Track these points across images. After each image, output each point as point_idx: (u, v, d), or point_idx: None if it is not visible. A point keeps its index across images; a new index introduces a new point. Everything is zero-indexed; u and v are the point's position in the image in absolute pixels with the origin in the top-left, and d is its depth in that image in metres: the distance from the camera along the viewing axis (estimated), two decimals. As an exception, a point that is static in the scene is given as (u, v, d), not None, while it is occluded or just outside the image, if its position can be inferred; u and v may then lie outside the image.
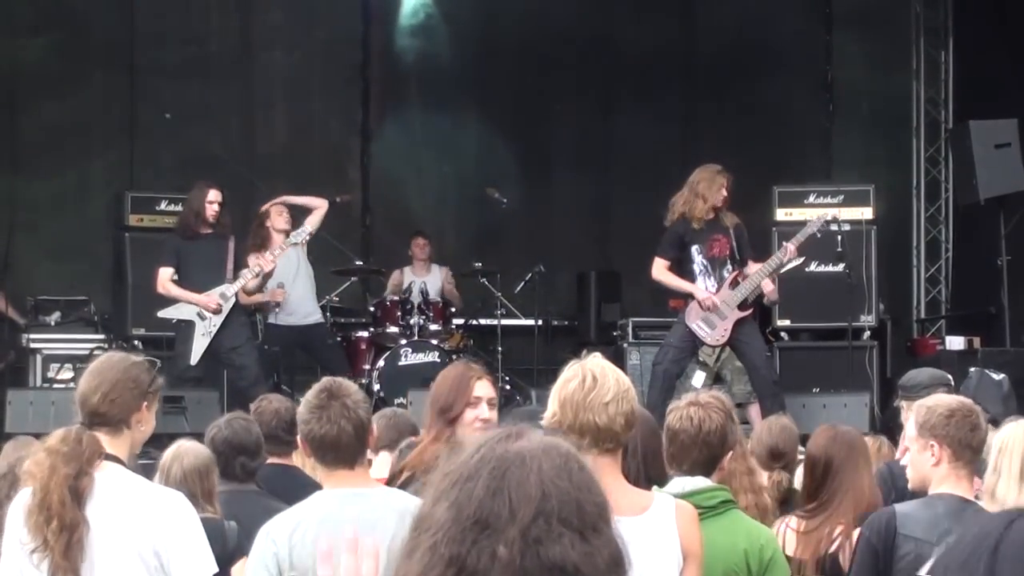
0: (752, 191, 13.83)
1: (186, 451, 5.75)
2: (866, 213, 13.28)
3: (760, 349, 11.39)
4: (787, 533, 5.57)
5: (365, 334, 13.13)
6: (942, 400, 4.93)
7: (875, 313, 13.14)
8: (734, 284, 11.01)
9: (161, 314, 11.40)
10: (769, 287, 11.99)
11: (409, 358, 12.54)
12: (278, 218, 12.34)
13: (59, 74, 14.46)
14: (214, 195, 11.44)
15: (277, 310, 12.26)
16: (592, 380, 4.06)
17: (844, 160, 15.75)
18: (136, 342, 12.37)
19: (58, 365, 12.57)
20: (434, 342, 12.71)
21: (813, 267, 12.76)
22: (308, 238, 11.98)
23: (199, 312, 11.34)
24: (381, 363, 12.49)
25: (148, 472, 5.18)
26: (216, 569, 4.38)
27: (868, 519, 4.98)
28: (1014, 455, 4.32)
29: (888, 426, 9.50)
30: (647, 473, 4.84)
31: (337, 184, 14.42)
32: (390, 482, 5.00)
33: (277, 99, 15.57)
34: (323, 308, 13.13)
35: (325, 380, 4.54)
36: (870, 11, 16.01)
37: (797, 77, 15.72)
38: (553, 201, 15.54)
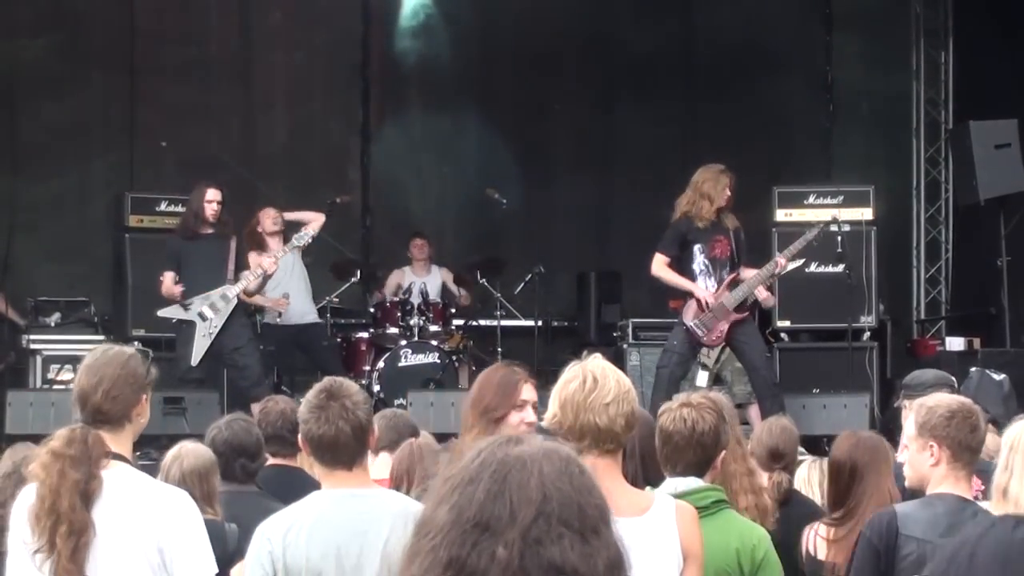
0: (752, 191, 13.82)
1: (187, 453, 5.75)
2: (866, 214, 13.27)
3: (760, 350, 11.39)
4: (817, 541, 5.57)
5: (365, 335, 13.14)
6: (943, 400, 4.92)
7: (875, 314, 13.14)
8: (732, 286, 11.01)
9: (161, 313, 11.41)
10: (764, 294, 12.03)
11: (409, 359, 12.54)
12: (266, 220, 12.39)
13: (59, 75, 14.46)
14: (212, 194, 11.44)
15: (278, 319, 12.29)
16: (593, 381, 4.06)
17: (844, 160, 15.75)
18: (136, 343, 12.36)
19: (58, 366, 12.57)
20: (434, 343, 12.71)
21: (813, 268, 12.76)
22: (310, 242, 12.00)
23: (200, 312, 11.35)
24: (381, 364, 12.50)
25: (149, 473, 5.18)
26: (217, 570, 4.37)
27: (868, 520, 4.98)
28: None
29: (888, 427, 9.50)
30: (645, 474, 4.84)
31: (337, 185, 14.44)
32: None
33: (277, 100, 15.57)
34: (323, 309, 13.15)
35: (326, 380, 4.53)
36: (870, 12, 16.01)
37: (797, 78, 15.73)
38: (553, 202, 15.54)
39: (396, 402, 11.47)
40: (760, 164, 14.95)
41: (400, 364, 12.49)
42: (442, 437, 7.30)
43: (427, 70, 15.46)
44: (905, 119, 15.67)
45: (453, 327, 13.22)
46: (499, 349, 13.08)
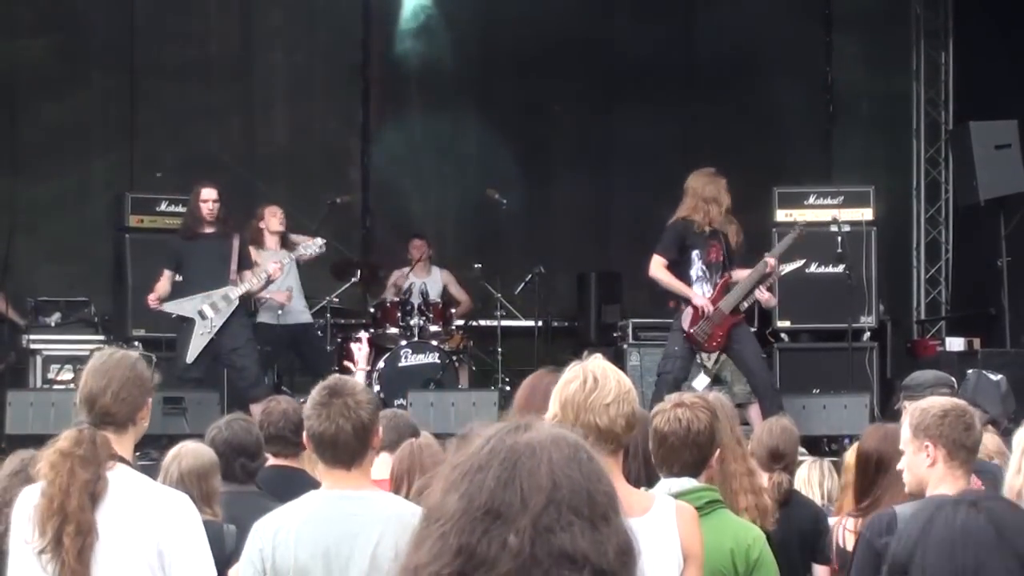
0: (752, 192, 13.83)
1: (186, 453, 5.75)
2: (866, 214, 13.28)
3: (756, 352, 11.38)
4: (845, 534, 5.56)
5: (365, 335, 13.13)
6: (936, 401, 4.94)
7: (875, 314, 13.14)
8: (725, 290, 11.01)
9: (166, 306, 11.44)
10: (765, 295, 12.04)
11: (409, 359, 12.54)
12: (272, 219, 12.39)
13: (59, 75, 14.47)
14: (207, 193, 11.48)
15: (280, 312, 12.30)
16: (593, 381, 4.06)
17: (844, 161, 15.75)
18: (136, 343, 12.37)
19: (58, 366, 12.57)
20: (434, 343, 12.71)
21: (813, 268, 12.76)
22: (317, 253, 12.03)
23: (200, 311, 11.37)
24: (381, 364, 12.49)
25: (149, 474, 5.18)
26: (215, 573, 4.38)
27: (868, 520, 4.98)
28: None
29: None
30: (648, 475, 4.84)
31: (337, 185, 14.44)
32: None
33: (277, 100, 15.57)
34: (323, 309, 13.16)
35: (331, 378, 4.54)
36: (870, 12, 16.01)
37: (797, 79, 15.72)
38: (553, 202, 15.55)
39: (396, 402, 11.48)
40: (760, 165, 14.96)
41: (400, 364, 12.49)
42: (442, 437, 7.30)
43: (427, 71, 15.46)
44: (905, 120, 15.68)
45: (453, 327, 13.22)
46: (499, 349, 13.08)
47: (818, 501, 7.04)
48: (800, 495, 6.67)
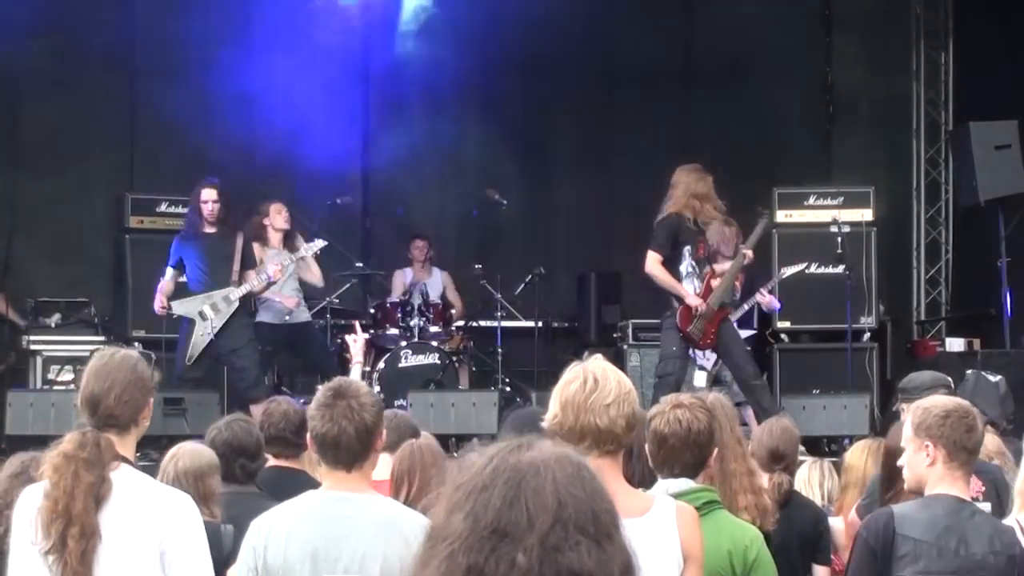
0: (752, 193, 13.83)
1: (183, 454, 5.75)
2: (866, 215, 13.29)
3: (742, 345, 11.46)
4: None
5: (365, 336, 13.12)
6: (938, 401, 4.93)
7: (875, 315, 13.14)
8: (710, 286, 11.06)
9: (173, 305, 11.45)
10: (767, 298, 12.11)
11: (409, 360, 12.54)
12: (277, 216, 12.39)
13: (59, 76, 14.46)
14: (207, 194, 11.53)
15: (288, 317, 12.31)
16: (593, 382, 4.06)
17: (844, 162, 15.75)
18: (136, 343, 12.39)
19: (58, 367, 12.58)
20: (434, 344, 12.72)
21: (813, 269, 12.76)
22: (318, 252, 12.06)
23: (200, 311, 11.40)
24: (381, 365, 12.50)
25: (149, 474, 5.19)
26: (213, 574, 4.39)
27: (865, 520, 4.99)
28: None
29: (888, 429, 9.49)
30: (652, 476, 4.83)
31: (337, 186, 14.42)
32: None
33: (277, 101, 15.55)
34: (323, 309, 13.16)
35: (336, 379, 4.54)
36: (870, 13, 16.00)
37: (797, 79, 15.71)
38: (553, 203, 15.54)
39: (396, 403, 11.48)
40: (760, 165, 14.96)
41: (400, 365, 12.49)
42: (442, 438, 7.31)
43: (427, 71, 15.44)
44: (905, 120, 15.67)
45: (453, 328, 13.23)
46: (499, 350, 13.08)
47: (818, 502, 7.04)
48: (800, 496, 6.67)
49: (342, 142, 15.49)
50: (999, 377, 10.34)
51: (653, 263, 10.95)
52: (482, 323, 13.75)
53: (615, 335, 13.89)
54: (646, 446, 4.65)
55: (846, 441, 10.86)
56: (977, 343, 13.20)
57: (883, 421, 11.26)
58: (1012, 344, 12.53)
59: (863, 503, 6.08)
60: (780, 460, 6.47)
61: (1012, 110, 13.10)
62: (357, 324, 10.14)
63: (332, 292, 13.50)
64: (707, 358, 11.81)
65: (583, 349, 11.34)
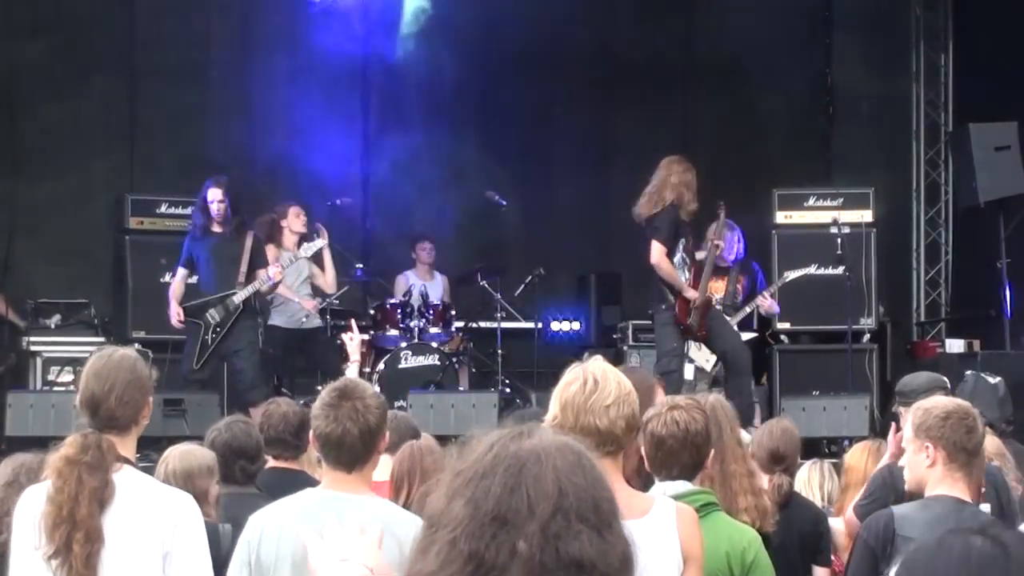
0: (752, 193, 13.84)
1: (174, 455, 5.75)
2: (866, 216, 13.28)
3: (731, 328, 11.53)
4: None
5: (365, 337, 13.13)
6: (939, 402, 4.94)
7: (875, 316, 13.14)
8: (697, 277, 11.14)
9: (184, 310, 11.53)
10: (767, 302, 12.14)
11: (409, 361, 12.54)
12: (295, 220, 12.44)
13: (59, 77, 14.46)
14: (213, 194, 11.54)
15: (304, 320, 12.35)
16: (593, 383, 4.06)
17: (844, 163, 15.75)
18: (136, 344, 12.39)
19: (58, 368, 12.58)
20: (434, 345, 12.72)
21: (813, 270, 12.77)
22: (316, 251, 12.10)
23: (208, 314, 11.45)
24: (381, 366, 12.50)
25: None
26: (212, 574, 4.39)
27: (866, 521, 4.99)
28: None
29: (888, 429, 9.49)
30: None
31: (338, 187, 14.42)
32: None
33: (277, 102, 15.56)
34: (323, 310, 13.16)
35: (342, 380, 4.55)
36: (870, 14, 16.01)
37: (797, 80, 15.72)
38: (553, 204, 15.54)
39: (396, 404, 11.48)
40: (760, 166, 14.96)
41: (400, 366, 12.49)
42: (442, 439, 7.30)
43: (427, 72, 15.45)
44: (905, 121, 15.68)
45: (453, 329, 13.23)
46: (499, 351, 13.08)
47: (819, 503, 7.04)
48: (800, 497, 6.67)
49: (342, 143, 15.49)
50: (998, 379, 10.33)
51: (660, 255, 10.94)
52: (482, 324, 13.75)
53: (615, 336, 13.90)
54: (642, 448, 4.65)
55: (846, 442, 10.86)
56: (977, 344, 13.20)
57: (883, 422, 11.26)
58: (1012, 345, 12.52)
59: (861, 503, 6.08)
60: (780, 461, 6.46)
61: (1012, 111, 13.09)
62: (353, 323, 10.16)
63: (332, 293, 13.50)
64: (707, 360, 11.82)
65: (583, 350, 11.35)
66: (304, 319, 12.40)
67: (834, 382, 12.42)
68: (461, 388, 12.62)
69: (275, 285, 11.74)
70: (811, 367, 12.90)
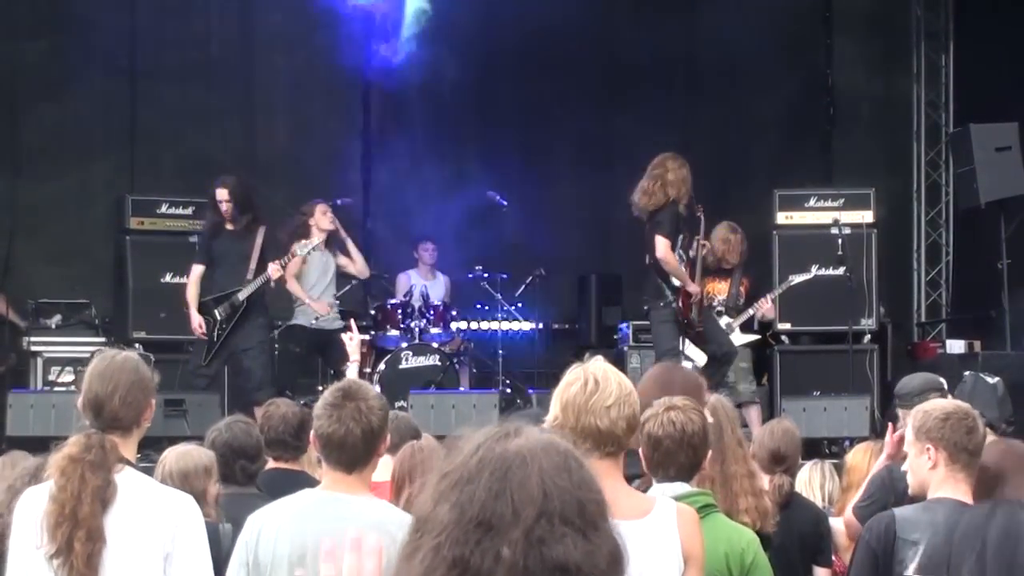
0: (753, 194, 13.85)
1: (171, 456, 5.75)
2: (866, 216, 13.28)
3: (722, 329, 11.64)
4: None
5: (366, 337, 13.14)
6: (938, 404, 4.96)
7: (875, 316, 13.14)
8: (692, 273, 11.19)
9: (201, 311, 11.60)
10: (766, 305, 12.18)
11: (410, 361, 12.54)
12: (322, 217, 12.49)
13: (60, 77, 14.46)
14: (219, 194, 11.65)
15: (315, 321, 12.37)
16: (594, 384, 4.06)
17: (844, 163, 15.74)
18: (136, 344, 12.40)
19: (59, 368, 12.58)
20: (435, 345, 12.72)
21: (814, 270, 12.77)
22: (309, 252, 12.10)
23: (216, 311, 11.53)
24: (382, 366, 12.51)
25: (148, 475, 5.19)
26: (212, 574, 4.40)
27: (867, 523, 4.99)
28: None
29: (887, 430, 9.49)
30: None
31: (338, 187, 14.43)
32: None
33: (278, 102, 15.57)
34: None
35: (345, 380, 4.56)
36: (870, 14, 16.01)
37: (797, 80, 15.72)
38: (554, 204, 15.54)
39: (397, 404, 11.48)
40: (761, 167, 14.97)
41: (401, 366, 12.50)
42: (443, 439, 7.30)
43: (428, 73, 15.44)
44: (906, 122, 15.68)
45: (454, 330, 13.23)
46: (500, 352, 13.08)
47: (819, 503, 7.04)
48: (801, 497, 6.67)
49: (342, 143, 15.51)
50: (997, 379, 10.32)
51: (666, 249, 10.96)
52: (483, 324, 13.75)
53: (615, 336, 13.90)
54: (640, 449, 4.65)
55: (846, 443, 10.87)
56: (978, 345, 13.19)
57: (883, 423, 11.26)
58: (1013, 346, 12.53)
59: (860, 504, 6.08)
60: (781, 462, 6.47)
61: (1013, 112, 13.09)
62: (352, 323, 10.17)
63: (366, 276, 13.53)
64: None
65: (583, 350, 11.36)
66: (314, 320, 12.42)
67: (835, 383, 12.42)
68: (462, 388, 12.62)
69: (267, 283, 11.74)
70: (812, 368, 12.90)
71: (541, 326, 13.94)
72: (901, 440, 5.50)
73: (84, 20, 14.50)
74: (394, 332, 12.83)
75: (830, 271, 12.81)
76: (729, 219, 12.63)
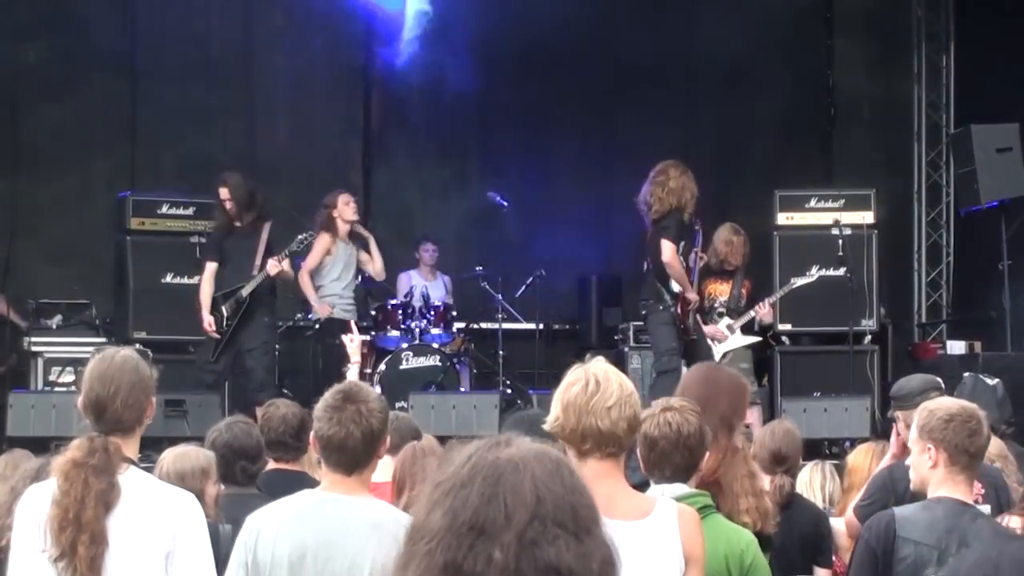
0: (753, 195, 13.84)
1: (168, 457, 5.75)
2: (867, 217, 13.28)
3: (703, 335, 11.76)
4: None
5: (366, 338, 13.13)
6: (944, 404, 4.95)
7: (876, 317, 13.14)
8: (689, 280, 11.26)
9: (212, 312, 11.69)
10: (765, 309, 12.19)
11: (410, 362, 12.54)
12: (346, 208, 12.55)
13: (60, 77, 14.46)
14: (222, 193, 11.73)
15: (309, 317, 12.42)
16: (595, 384, 4.05)
17: (845, 164, 15.74)
18: (137, 345, 12.40)
19: (59, 368, 12.57)
20: (435, 346, 12.71)
21: (815, 272, 12.77)
22: (298, 249, 12.12)
23: (223, 308, 11.58)
24: (382, 367, 12.50)
25: (148, 475, 5.19)
26: (214, 573, 4.39)
27: (867, 522, 4.99)
28: None
29: (889, 431, 9.49)
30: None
31: (338, 188, 14.42)
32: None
33: (278, 103, 15.56)
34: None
35: (346, 382, 4.56)
36: (871, 15, 16.00)
37: (798, 81, 15.71)
38: (554, 205, 15.53)
39: (398, 405, 11.48)
40: (761, 167, 14.96)
41: (401, 367, 12.49)
42: (443, 440, 7.30)
43: (428, 74, 15.44)
44: (906, 123, 15.67)
45: (454, 330, 13.22)
46: (500, 352, 13.08)
47: (820, 504, 7.04)
48: (801, 498, 6.67)
49: (343, 143, 15.51)
50: (996, 380, 10.34)
51: (672, 253, 11.01)
52: (483, 325, 13.75)
53: (616, 337, 13.89)
54: (638, 450, 4.65)
55: (847, 444, 10.86)
56: (978, 346, 13.19)
57: (884, 423, 11.26)
58: (1013, 347, 12.52)
59: (861, 504, 6.08)
60: (782, 462, 6.47)
61: (1013, 113, 13.09)
62: (353, 324, 10.18)
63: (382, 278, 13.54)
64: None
65: (584, 351, 11.35)
66: (310, 316, 12.46)
67: (835, 383, 12.42)
68: (462, 389, 12.61)
69: (266, 279, 11.76)
70: (812, 368, 12.90)
71: (542, 327, 13.93)
72: (906, 442, 5.50)
73: (84, 20, 14.50)
74: (395, 333, 12.82)
75: (831, 272, 12.80)
76: (730, 220, 12.64)
